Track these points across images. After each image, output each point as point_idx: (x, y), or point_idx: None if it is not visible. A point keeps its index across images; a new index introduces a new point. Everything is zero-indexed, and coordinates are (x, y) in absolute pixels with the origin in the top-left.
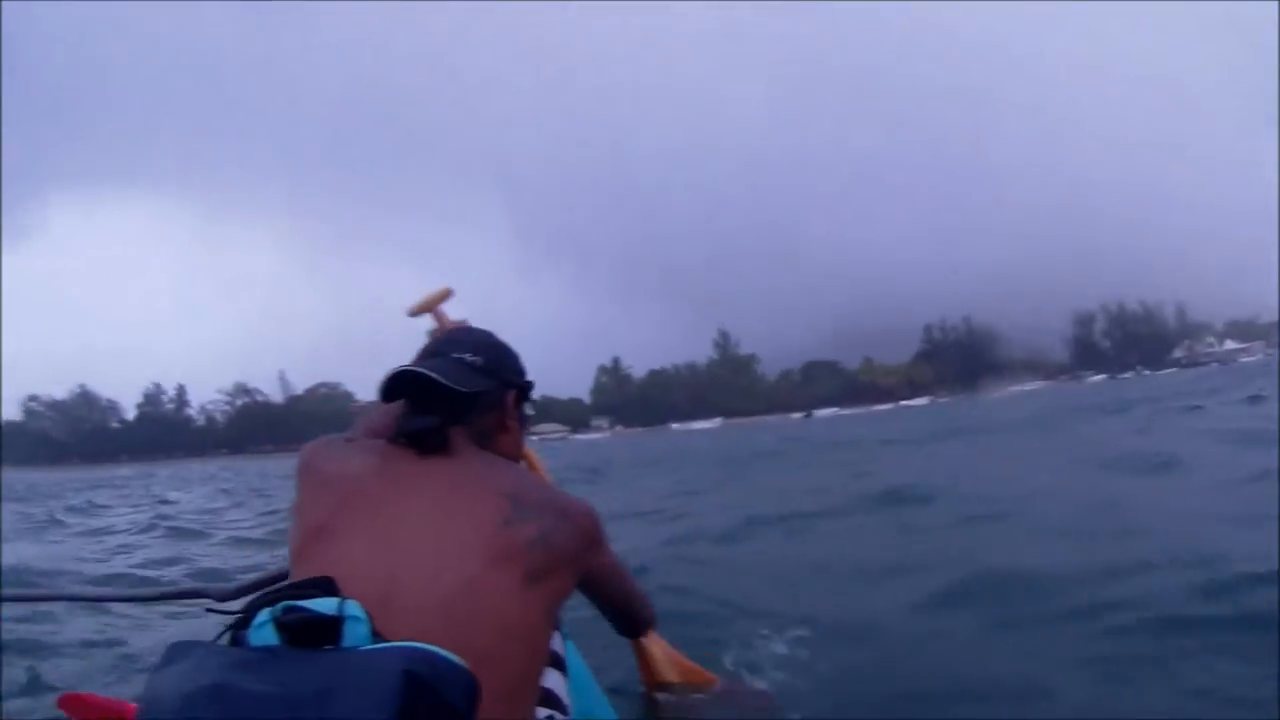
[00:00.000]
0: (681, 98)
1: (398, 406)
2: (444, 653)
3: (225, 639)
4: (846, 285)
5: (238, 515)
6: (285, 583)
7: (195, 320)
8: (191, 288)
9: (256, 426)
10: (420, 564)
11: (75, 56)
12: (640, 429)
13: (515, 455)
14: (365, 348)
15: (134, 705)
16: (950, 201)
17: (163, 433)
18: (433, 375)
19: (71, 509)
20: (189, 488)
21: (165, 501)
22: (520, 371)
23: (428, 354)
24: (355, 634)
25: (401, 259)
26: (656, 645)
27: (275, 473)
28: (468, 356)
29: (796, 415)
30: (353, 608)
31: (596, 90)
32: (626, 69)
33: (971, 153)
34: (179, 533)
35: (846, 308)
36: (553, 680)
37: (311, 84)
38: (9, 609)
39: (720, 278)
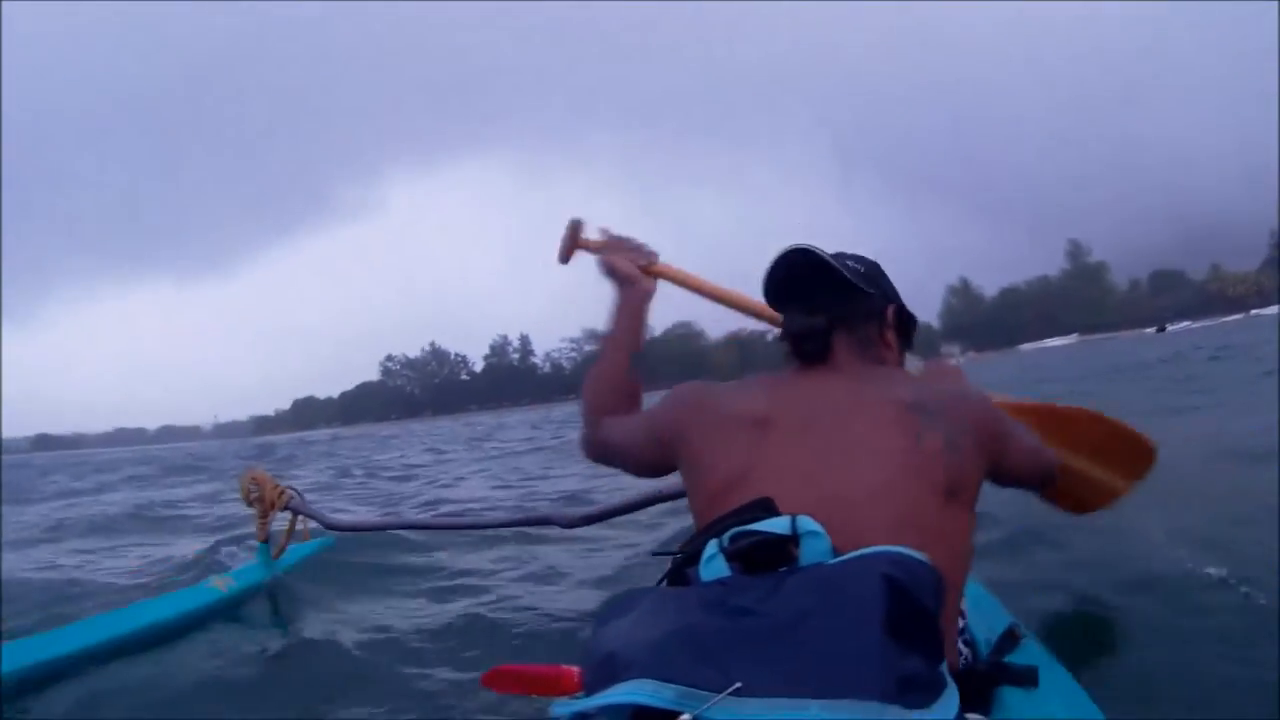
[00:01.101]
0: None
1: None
2: (912, 552)
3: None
4: (1188, 186)
5: None
6: (726, 512)
7: (537, 272)
8: (532, 241)
9: None
10: (850, 491)
11: (408, 46)
12: (992, 353)
13: None
14: (719, 280)
15: (570, 669)
16: None
17: (509, 381)
18: (827, 257)
19: None
20: None
21: None
22: (897, 293)
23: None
24: (815, 549)
25: (727, 194)
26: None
27: None
28: (849, 262)
29: (1149, 330)
30: (807, 523)
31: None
32: None
33: None
34: None
35: (1189, 208)
36: None
37: (629, 26)
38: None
39: (1060, 185)
